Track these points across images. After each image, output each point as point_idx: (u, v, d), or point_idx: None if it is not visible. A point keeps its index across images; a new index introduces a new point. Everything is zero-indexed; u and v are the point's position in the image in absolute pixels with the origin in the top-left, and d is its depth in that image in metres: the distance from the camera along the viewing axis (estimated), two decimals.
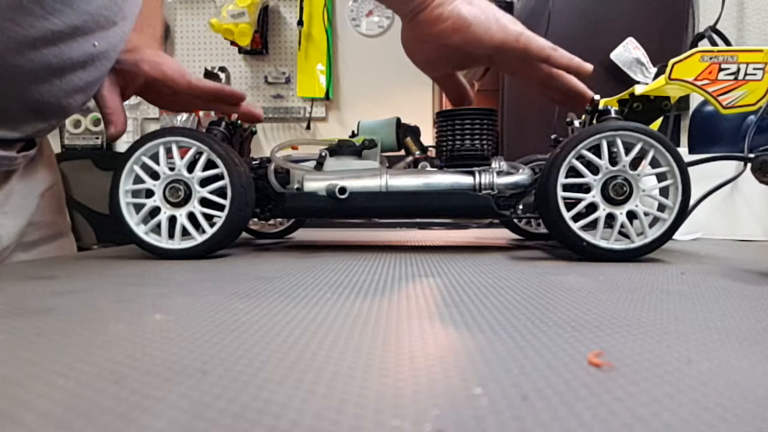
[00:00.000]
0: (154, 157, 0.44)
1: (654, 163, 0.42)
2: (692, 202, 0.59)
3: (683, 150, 0.76)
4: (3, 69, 0.40)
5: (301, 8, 2.11)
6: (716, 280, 0.32)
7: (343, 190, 0.48)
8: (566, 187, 0.42)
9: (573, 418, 0.12)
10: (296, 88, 2.12)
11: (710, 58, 0.42)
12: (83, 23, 0.42)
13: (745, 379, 0.14)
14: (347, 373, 0.15)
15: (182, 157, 0.44)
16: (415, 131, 0.55)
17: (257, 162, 0.54)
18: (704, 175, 0.63)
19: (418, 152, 0.54)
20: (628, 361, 0.16)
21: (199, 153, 0.44)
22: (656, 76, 1.05)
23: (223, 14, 1.95)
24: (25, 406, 0.13)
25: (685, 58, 0.43)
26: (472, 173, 0.49)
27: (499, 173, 0.49)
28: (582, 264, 0.40)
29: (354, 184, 0.49)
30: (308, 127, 2.10)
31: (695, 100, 1.05)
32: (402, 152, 0.55)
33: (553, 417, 0.12)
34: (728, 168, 0.65)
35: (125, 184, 0.44)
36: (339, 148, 0.52)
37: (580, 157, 0.42)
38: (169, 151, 0.44)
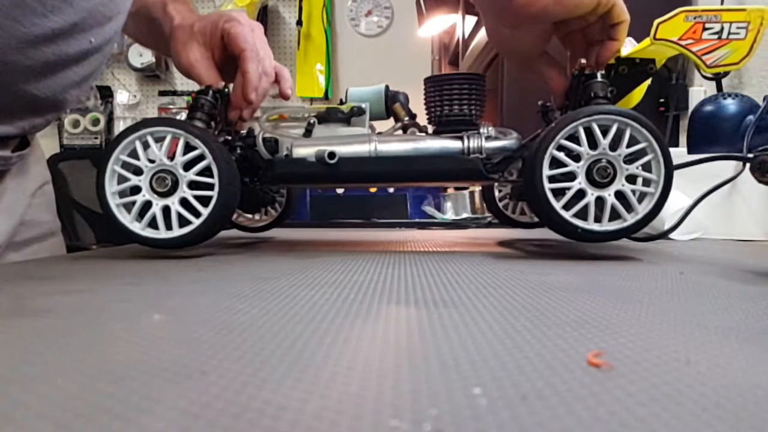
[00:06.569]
0: (133, 154, 0.44)
1: (632, 141, 0.42)
2: (691, 202, 0.60)
3: (682, 150, 0.76)
4: (2, 66, 0.40)
5: (300, 8, 2.11)
6: (715, 280, 0.32)
7: (332, 155, 0.48)
8: (552, 178, 0.42)
9: (572, 419, 0.12)
10: (295, 87, 2.12)
11: (694, 18, 0.43)
12: (81, 20, 0.43)
13: (744, 379, 0.14)
14: (346, 374, 0.15)
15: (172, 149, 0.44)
16: (403, 98, 0.55)
17: (245, 132, 0.54)
18: (703, 175, 0.63)
19: (406, 118, 0.54)
20: (627, 361, 0.16)
21: (176, 138, 0.44)
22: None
23: None
24: (24, 407, 0.13)
25: (670, 17, 0.43)
26: (460, 138, 0.50)
27: (488, 138, 0.49)
28: (581, 263, 0.40)
29: (343, 149, 0.49)
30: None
31: (694, 100, 1.05)
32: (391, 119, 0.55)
33: (552, 417, 0.12)
34: (727, 168, 0.65)
35: (110, 187, 0.44)
36: (328, 116, 0.52)
37: (561, 147, 0.42)
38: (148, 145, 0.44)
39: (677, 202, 0.64)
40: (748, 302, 0.25)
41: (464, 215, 1.08)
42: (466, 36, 1.56)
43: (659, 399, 0.13)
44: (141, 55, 2.10)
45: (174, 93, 2.20)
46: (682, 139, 1.10)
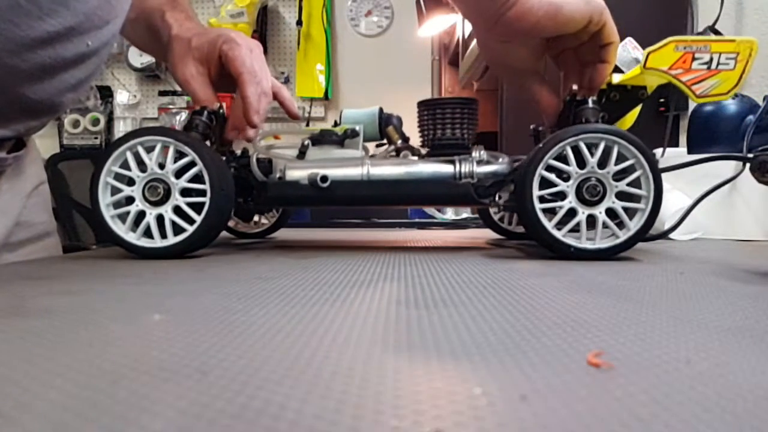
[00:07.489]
0: (125, 165, 0.44)
1: (620, 158, 0.42)
2: (691, 202, 0.60)
3: (682, 150, 0.76)
4: None
5: (300, 8, 2.10)
6: (715, 279, 0.32)
7: (324, 178, 0.48)
8: (543, 198, 0.42)
9: (572, 418, 0.12)
10: (295, 88, 2.12)
11: (684, 48, 0.43)
12: (78, 24, 0.42)
13: (744, 379, 0.14)
14: (346, 373, 0.15)
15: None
16: (397, 120, 0.56)
17: (240, 152, 0.54)
18: (703, 174, 0.63)
19: (399, 141, 0.54)
20: (627, 361, 0.16)
21: (166, 147, 0.44)
22: None
23: (222, 14, 1.95)
24: (23, 407, 0.13)
25: (660, 47, 0.43)
26: (452, 162, 0.50)
27: (479, 162, 0.50)
28: (580, 264, 0.40)
29: (336, 172, 0.50)
30: (307, 127, 2.10)
31: None
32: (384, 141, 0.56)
33: (552, 417, 0.12)
34: (727, 168, 0.65)
35: (104, 199, 0.44)
36: (321, 138, 0.53)
37: (551, 167, 0.43)
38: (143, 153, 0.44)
39: (677, 202, 0.64)
40: (748, 302, 0.25)
41: (464, 215, 1.08)
42: (466, 36, 1.56)
43: (659, 399, 0.13)
44: (141, 55, 2.10)
45: (174, 93, 2.20)
46: (682, 139, 1.10)
